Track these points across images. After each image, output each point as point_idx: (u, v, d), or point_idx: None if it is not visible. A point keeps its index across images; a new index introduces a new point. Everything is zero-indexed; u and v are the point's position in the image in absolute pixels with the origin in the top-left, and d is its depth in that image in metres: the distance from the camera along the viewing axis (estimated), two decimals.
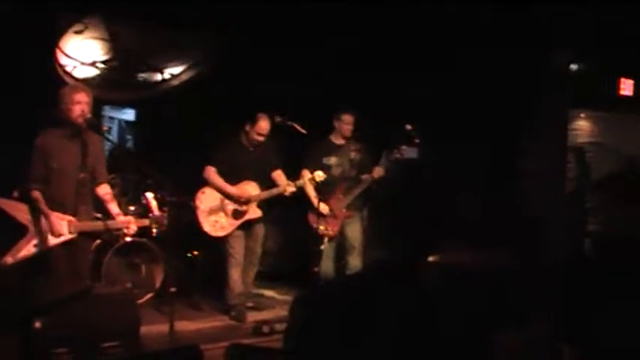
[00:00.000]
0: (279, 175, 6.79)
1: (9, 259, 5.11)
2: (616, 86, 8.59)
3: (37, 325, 4.43)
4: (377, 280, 2.16)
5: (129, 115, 9.74)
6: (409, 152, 6.97)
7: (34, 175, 5.28)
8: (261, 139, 6.63)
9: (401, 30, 7.33)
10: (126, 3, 6.75)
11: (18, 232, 5.19)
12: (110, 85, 7.99)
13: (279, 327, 5.75)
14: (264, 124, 6.58)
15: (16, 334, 4.51)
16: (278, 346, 2.40)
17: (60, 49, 7.34)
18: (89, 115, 5.26)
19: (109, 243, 6.66)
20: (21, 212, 5.24)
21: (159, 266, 6.91)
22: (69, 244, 5.29)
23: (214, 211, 6.63)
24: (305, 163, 6.99)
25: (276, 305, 7.16)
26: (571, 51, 8.03)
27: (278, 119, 6.67)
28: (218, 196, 6.64)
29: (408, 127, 6.79)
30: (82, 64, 7.67)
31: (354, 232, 6.94)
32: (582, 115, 8.87)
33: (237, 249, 6.69)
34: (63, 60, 7.48)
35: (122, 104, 9.34)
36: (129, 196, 7.19)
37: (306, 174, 6.82)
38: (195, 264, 7.36)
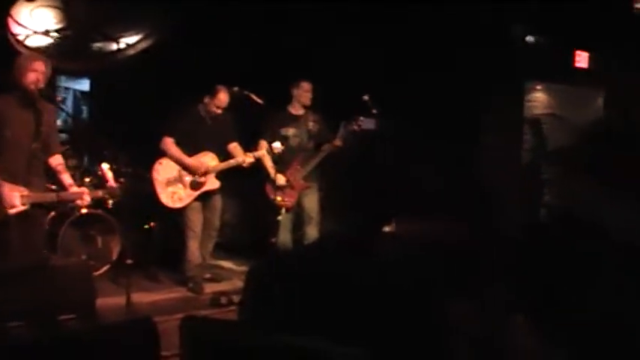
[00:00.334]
0: (235, 147, 6.78)
1: None
2: (571, 59, 8.68)
3: None
4: (332, 251, 2.16)
5: (84, 85, 9.57)
6: (367, 123, 6.98)
7: None
8: (219, 111, 6.59)
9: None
10: None
11: None
12: (64, 55, 7.82)
13: (237, 298, 5.76)
14: (223, 97, 6.55)
15: None
16: (235, 318, 2.40)
17: (12, 17, 7.17)
18: (42, 85, 5.15)
19: (64, 215, 6.59)
20: None
21: (115, 238, 6.86)
22: (22, 216, 5.20)
23: (172, 183, 6.59)
24: (262, 134, 6.96)
25: (233, 277, 7.15)
26: (527, 24, 8.08)
27: (234, 90, 6.64)
28: (176, 167, 6.59)
29: (366, 98, 6.78)
30: (35, 32, 7.50)
31: (312, 203, 6.95)
32: (538, 87, 8.95)
33: (195, 221, 6.67)
34: (15, 28, 7.30)
35: (77, 74, 9.18)
36: (84, 168, 7.10)
37: (264, 145, 6.80)
38: (153, 235, 7.31)
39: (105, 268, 6.71)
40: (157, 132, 6.64)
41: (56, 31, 7.61)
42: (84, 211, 6.56)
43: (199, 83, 6.76)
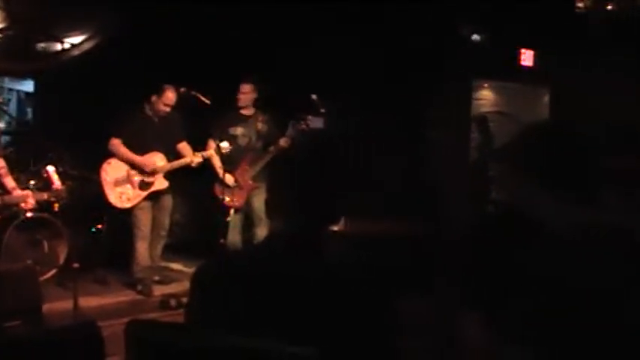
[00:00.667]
0: (184, 147, 6.75)
1: None
2: (517, 57, 8.81)
3: None
4: (280, 251, 2.15)
5: (28, 86, 9.40)
6: (315, 122, 6.98)
7: None
8: (167, 109, 6.56)
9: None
10: None
11: None
12: (7, 55, 7.66)
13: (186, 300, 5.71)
14: (170, 95, 6.51)
15: None
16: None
17: None
18: None
19: (8, 219, 6.45)
20: None
21: (62, 241, 6.74)
22: None
23: (120, 183, 6.53)
24: (211, 133, 6.93)
25: (183, 278, 7.07)
26: (473, 23, 8.17)
27: (181, 90, 6.60)
28: (124, 167, 6.54)
29: (314, 97, 6.79)
30: None
31: (261, 203, 6.90)
32: (485, 85, 9.06)
33: (144, 220, 6.62)
34: None
35: (20, 75, 9.01)
36: (28, 170, 6.96)
37: (212, 145, 6.78)
38: (100, 238, 7.21)
39: (51, 273, 6.58)
40: (104, 133, 6.56)
41: None
42: (29, 214, 6.43)
43: (146, 83, 6.69)
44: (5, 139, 6.63)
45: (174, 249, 7.78)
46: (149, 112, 6.61)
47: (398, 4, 7.39)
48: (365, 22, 7.46)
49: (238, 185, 6.88)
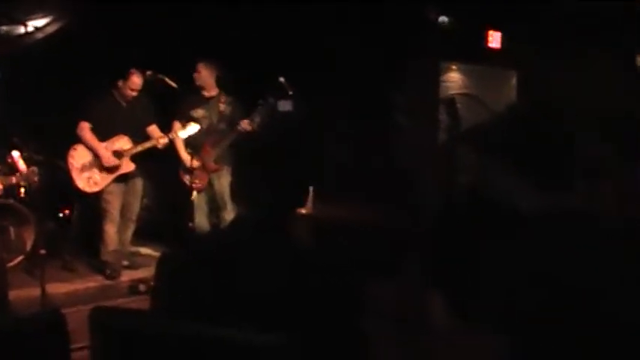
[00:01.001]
0: (154, 130, 6.76)
1: None
2: (484, 39, 8.81)
3: None
4: (246, 235, 2.14)
5: None
6: (284, 105, 6.96)
7: None
8: (134, 93, 6.56)
9: None
10: None
11: None
12: None
13: None
14: (136, 79, 6.51)
15: None
16: None
17: None
18: None
19: None
20: None
21: (29, 228, 6.68)
22: None
23: (87, 167, 6.53)
24: (176, 116, 6.93)
25: (152, 263, 7.00)
26: (440, 4, 8.16)
27: (148, 74, 6.60)
28: (90, 151, 6.53)
29: (282, 79, 6.77)
30: None
31: (224, 186, 6.91)
32: (454, 67, 9.06)
33: (114, 204, 6.61)
34: None
35: None
36: None
37: (178, 127, 6.78)
38: (68, 224, 7.16)
39: (18, 260, 6.52)
40: (70, 117, 6.52)
41: None
42: None
43: (113, 67, 6.66)
44: None
45: (144, 234, 7.74)
46: (117, 96, 6.61)
47: None
48: (331, 3, 7.42)
49: (201, 167, 6.86)
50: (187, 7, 7.42)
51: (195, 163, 6.84)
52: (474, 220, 2.26)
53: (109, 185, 6.57)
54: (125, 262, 6.82)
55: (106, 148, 6.51)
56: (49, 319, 2.01)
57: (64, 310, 2.27)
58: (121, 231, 6.72)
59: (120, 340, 1.92)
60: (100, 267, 6.62)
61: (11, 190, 6.09)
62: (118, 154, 6.53)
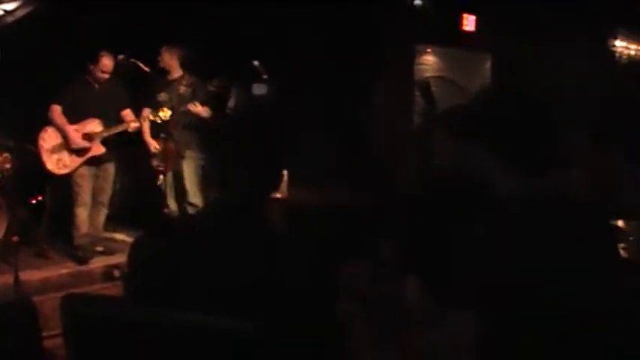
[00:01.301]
0: (127, 114, 6.71)
1: None
2: (459, 22, 8.82)
3: None
4: (220, 220, 2.12)
5: None
6: (258, 89, 6.94)
7: None
8: (105, 76, 6.51)
9: None
10: None
11: None
12: None
13: None
14: (107, 62, 6.47)
15: None
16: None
17: None
18: None
19: None
20: None
21: (1, 215, 6.60)
22: None
23: (57, 149, 6.48)
24: (143, 100, 6.93)
25: (127, 249, 6.99)
26: None
27: (120, 57, 6.57)
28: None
29: (256, 62, 6.74)
30: None
31: (189, 172, 6.93)
32: (429, 50, 9.06)
33: (84, 187, 6.58)
34: None
35: None
36: None
37: (147, 111, 6.76)
38: (42, 211, 7.09)
39: None
40: (41, 102, 6.47)
41: None
42: None
43: (85, 50, 6.59)
44: None
45: (118, 219, 7.70)
46: (89, 80, 6.56)
47: None
48: None
49: (162, 151, 6.85)
50: None
51: (157, 147, 6.84)
52: (448, 203, 2.26)
53: (79, 168, 6.53)
54: (100, 248, 6.77)
55: (76, 130, 6.47)
56: (20, 307, 1.99)
57: (38, 298, 2.25)
58: (92, 215, 6.68)
59: (91, 328, 1.90)
60: (74, 254, 6.57)
61: None
62: (88, 136, 6.48)
